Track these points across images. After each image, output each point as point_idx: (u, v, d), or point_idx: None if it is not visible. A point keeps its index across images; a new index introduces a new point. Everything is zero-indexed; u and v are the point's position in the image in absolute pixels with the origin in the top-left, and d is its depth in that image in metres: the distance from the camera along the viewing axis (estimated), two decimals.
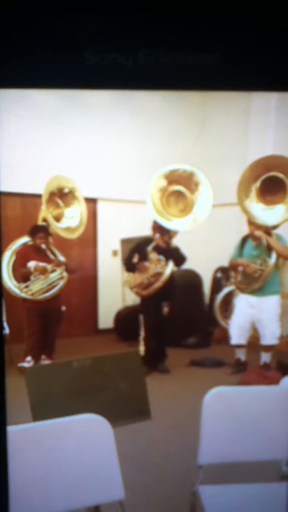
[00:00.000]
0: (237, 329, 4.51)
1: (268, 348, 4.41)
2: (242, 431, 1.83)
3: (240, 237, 4.56)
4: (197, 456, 1.79)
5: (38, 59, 0.85)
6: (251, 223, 4.35)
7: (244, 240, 4.51)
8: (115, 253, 6.36)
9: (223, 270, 5.94)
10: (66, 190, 4.69)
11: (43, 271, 4.48)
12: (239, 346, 4.57)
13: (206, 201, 4.45)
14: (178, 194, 4.53)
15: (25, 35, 0.83)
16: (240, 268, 4.45)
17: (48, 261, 4.56)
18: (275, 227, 4.35)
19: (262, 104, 5.81)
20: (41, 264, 4.50)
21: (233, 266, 4.57)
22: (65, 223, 4.75)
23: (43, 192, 4.52)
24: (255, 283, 4.34)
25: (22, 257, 4.52)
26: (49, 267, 4.51)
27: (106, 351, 5.14)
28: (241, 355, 4.59)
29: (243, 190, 4.25)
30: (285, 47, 0.86)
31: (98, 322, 6.46)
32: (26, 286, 4.45)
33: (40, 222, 4.65)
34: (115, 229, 6.21)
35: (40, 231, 4.56)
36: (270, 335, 4.36)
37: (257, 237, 4.34)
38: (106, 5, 0.84)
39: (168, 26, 0.85)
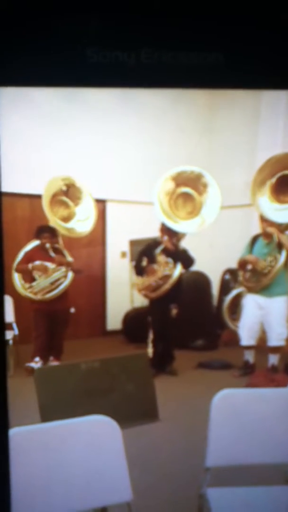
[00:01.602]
0: (246, 331, 4.50)
1: (275, 349, 4.40)
2: (249, 434, 1.83)
3: (248, 238, 4.55)
4: (204, 458, 1.79)
5: (40, 57, 0.85)
6: (263, 220, 4.35)
7: (254, 239, 4.51)
8: (123, 254, 6.35)
9: (231, 272, 5.92)
10: (64, 188, 4.67)
11: (43, 270, 4.48)
12: (249, 348, 4.56)
13: (214, 203, 4.44)
14: (186, 196, 4.52)
15: (27, 33, 0.83)
16: (249, 267, 4.45)
17: (52, 260, 4.56)
18: (287, 227, 4.36)
19: (271, 108, 5.79)
20: (46, 263, 4.51)
21: (241, 264, 4.55)
22: (76, 224, 4.74)
23: (44, 198, 4.51)
24: (264, 279, 4.33)
25: (27, 258, 4.52)
26: (50, 265, 4.50)
27: (114, 353, 5.15)
28: (250, 357, 4.57)
29: (258, 185, 4.24)
30: (287, 45, 0.86)
31: (106, 324, 6.47)
32: (30, 286, 4.46)
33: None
34: (124, 231, 6.21)
35: (44, 231, 4.57)
36: (277, 336, 4.35)
37: (268, 235, 4.33)
38: (108, 3, 0.84)
39: (171, 24, 0.85)
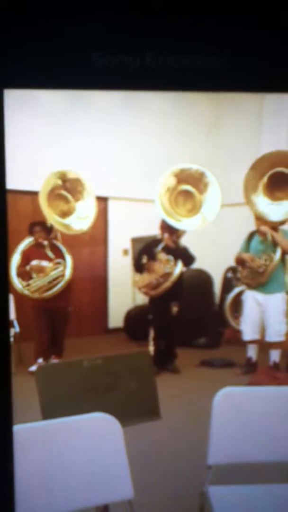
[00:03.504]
0: (248, 326, 4.52)
1: (274, 345, 4.41)
2: (251, 432, 1.83)
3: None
4: (206, 456, 1.79)
5: (46, 61, 0.86)
6: (258, 218, 4.36)
7: (251, 235, 4.52)
8: (125, 252, 6.36)
9: (233, 270, 5.91)
10: (59, 182, 4.60)
11: (40, 270, 4.47)
12: (251, 342, 4.56)
13: (215, 202, 4.44)
14: (187, 193, 4.51)
15: (33, 37, 0.84)
16: (247, 264, 4.46)
17: (49, 259, 4.53)
18: (282, 222, 4.35)
19: (275, 106, 5.79)
20: (43, 263, 4.48)
21: (238, 261, 4.58)
22: (74, 221, 4.69)
23: (40, 194, 4.41)
24: (260, 278, 4.35)
25: (25, 257, 4.51)
26: (46, 264, 4.48)
27: (116, 350, 5.15)
28: (253, 353, 4.57)
29: (250, 185, 4.25)
30: None
31: (108, 322, 6.47)
32: (28, 284, 4.45)
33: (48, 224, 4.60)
34: (126, 228, 6.21)
35: (35, 226, 4.54)
36: (275, 332, 4.36)
37: (263, 232, 4.34)
38: (114, 7, 0.84)
39: (175, 27, 0.85)
